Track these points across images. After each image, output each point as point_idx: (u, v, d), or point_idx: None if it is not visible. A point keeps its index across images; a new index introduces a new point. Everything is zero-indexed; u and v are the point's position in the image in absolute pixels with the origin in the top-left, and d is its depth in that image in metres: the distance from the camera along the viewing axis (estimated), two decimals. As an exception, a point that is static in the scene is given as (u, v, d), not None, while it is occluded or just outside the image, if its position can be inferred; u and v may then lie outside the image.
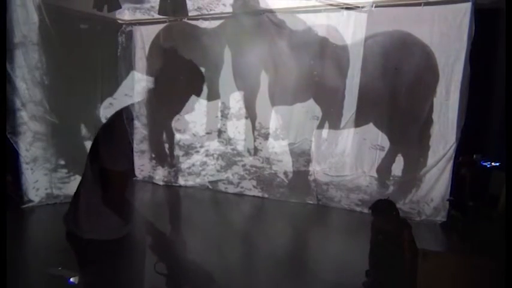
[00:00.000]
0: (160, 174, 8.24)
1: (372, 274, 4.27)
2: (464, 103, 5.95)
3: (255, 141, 7.68)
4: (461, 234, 5.34)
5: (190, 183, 8.15)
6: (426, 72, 6.25)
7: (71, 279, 1.15)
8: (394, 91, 6.41)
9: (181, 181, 8.21)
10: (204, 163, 8.14)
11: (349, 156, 6.96)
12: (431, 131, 6.36)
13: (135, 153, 8.14)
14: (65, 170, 6.83)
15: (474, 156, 6.41)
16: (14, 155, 6.17)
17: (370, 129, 6.79)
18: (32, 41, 6.11)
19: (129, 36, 7.88)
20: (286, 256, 5.05)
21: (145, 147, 8.07)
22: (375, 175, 6.80)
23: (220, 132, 7.99)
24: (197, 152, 8.15)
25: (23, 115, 6.19)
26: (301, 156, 7.33)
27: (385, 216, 4.14)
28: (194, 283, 2.59)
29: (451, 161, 6.18)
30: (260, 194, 7.65)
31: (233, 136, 7.88)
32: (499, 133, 5.81)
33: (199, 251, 4.95)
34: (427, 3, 6.04)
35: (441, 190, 6.24)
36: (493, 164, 6.24)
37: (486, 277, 3.57)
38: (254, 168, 7.74)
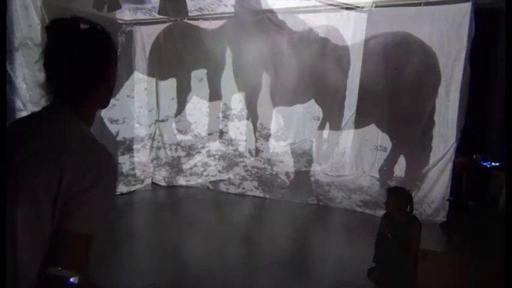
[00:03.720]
0: (161, 175, 8.25)
1: (377, 262, 4.33)
2: (464, 103, 5.95)
3: (256, 142, 7.69)
4: (461, 234, 5.35)
5: (191, 183, 8.16)
6: (428, 74, 6.24)
7: (71, 279, 1.15)
8: (396, 92, 6.41)
9: (182, 182, 8.21)
10: (206, 164, 8.15)
11: (349, 156, 6.97)
12: (433, 132, 6.33)
13: (135, 154, 8.08)
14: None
15: (474, 156, 6.42)
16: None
17: (372, 130, 6.78)
18: (32, 42, 6.12)
19: (129, 36, 7.88)
20: (289, 257, 5.05)
21: (147, 146, 8.14)
22: (375, 175, 6.80)
23: (221, 133, 7.99)
24: (199, 152, 8.15)
25: (24, 115, 6.19)
26: (302, 157, 7.34)
27: (399, 203, 4.21)
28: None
29: (451, 161, 6.18)
30: (262, 195, 7.65)
31: (235, 137, 7.88)
32: (499, 133, 5.83)
33: (203, 252, 5.00)
34: (427, 3, 6.02)
35: (441, 190, 6.21)
36: (493, 164, 6.26)
37: (486, 277, 3.58)
38: (255, 169, 7.74)
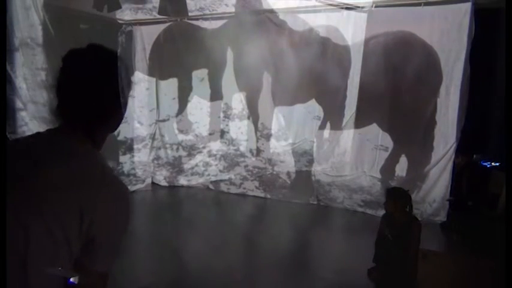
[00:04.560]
0: (162, 175, 8.25)
1: (377, 262, 4.34)
2: (464, 103, 5.94)
3: (257, 141, 7.69)
4: (461, 234, 5.35)
5: (192, 183, 8.16)
6: (430, 73, 6.24)
7: (71, 279, 1.16)
8: (398, 92, 6.40)
9: (183, 181, 8.21)
10: (207, 163, 8.15)
11: (350, 156, 6.97)
12: (435, 132, 6.35)
13: (136, 154, 8.05)
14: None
15: (474, 156, 6.42)
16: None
17: (373, 129, 6.79)
18: (32, 41, 6.12)
19: (129, 36, 7.87)
20: (290, 257, 5.07)
21: (148, 146, 8.15)
22: (376, 175, 6.80)
23: (222, 133, 7.99)
24: (200, 152, 8.16)
25: (24, 116, 6.19)
26: (303, 156, 7.34)
27: (398, 203, 4.22)
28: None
29: (451, 161, 6.18)
30: (263, 195, 7.65)
31: (236, 137, 7.88)
32: (499, 133, 5.82)
33: (203, 252, 5.00)
34: (427, 3, 6.02)
35: (441, 190, 6.23)
36: (493, 164, 6.25)
37: (486, 277, 3.58)
38: (256, 169, 7.74)
